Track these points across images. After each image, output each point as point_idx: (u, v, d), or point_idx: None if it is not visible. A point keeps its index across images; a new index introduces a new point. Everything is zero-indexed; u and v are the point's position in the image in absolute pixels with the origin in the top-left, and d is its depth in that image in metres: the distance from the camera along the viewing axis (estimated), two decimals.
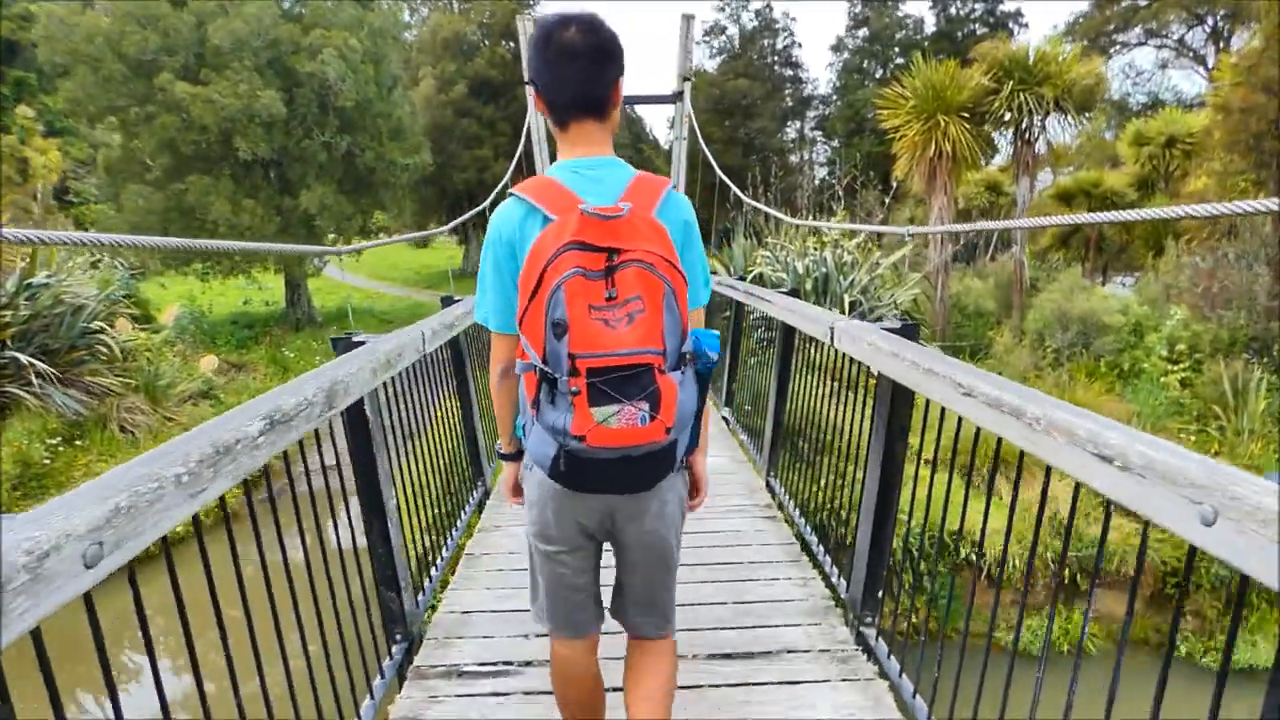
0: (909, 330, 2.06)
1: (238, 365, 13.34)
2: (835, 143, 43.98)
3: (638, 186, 1.35)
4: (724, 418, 4.87)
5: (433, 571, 2.79)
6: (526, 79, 1.66)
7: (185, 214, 13.75)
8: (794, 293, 3.43)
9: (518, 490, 1.60)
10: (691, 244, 1.42)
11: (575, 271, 1.18)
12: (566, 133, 1.40)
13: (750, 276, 12.46)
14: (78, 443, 9.94)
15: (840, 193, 13.59)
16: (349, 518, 2.13)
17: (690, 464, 1.54)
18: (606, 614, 1.62)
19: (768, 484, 3.61)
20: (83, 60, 13.10)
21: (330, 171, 15.47)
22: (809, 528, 3.08)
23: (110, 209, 14.86)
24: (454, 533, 3.16)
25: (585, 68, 1.33)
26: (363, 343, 2.06)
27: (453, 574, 2.97)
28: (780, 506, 3.43)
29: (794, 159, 45.27)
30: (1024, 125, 11.98)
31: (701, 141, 8.82)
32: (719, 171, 8.03)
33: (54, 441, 9.46)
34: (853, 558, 2.33)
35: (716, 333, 1.33)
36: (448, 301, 3.40)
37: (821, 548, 2.94)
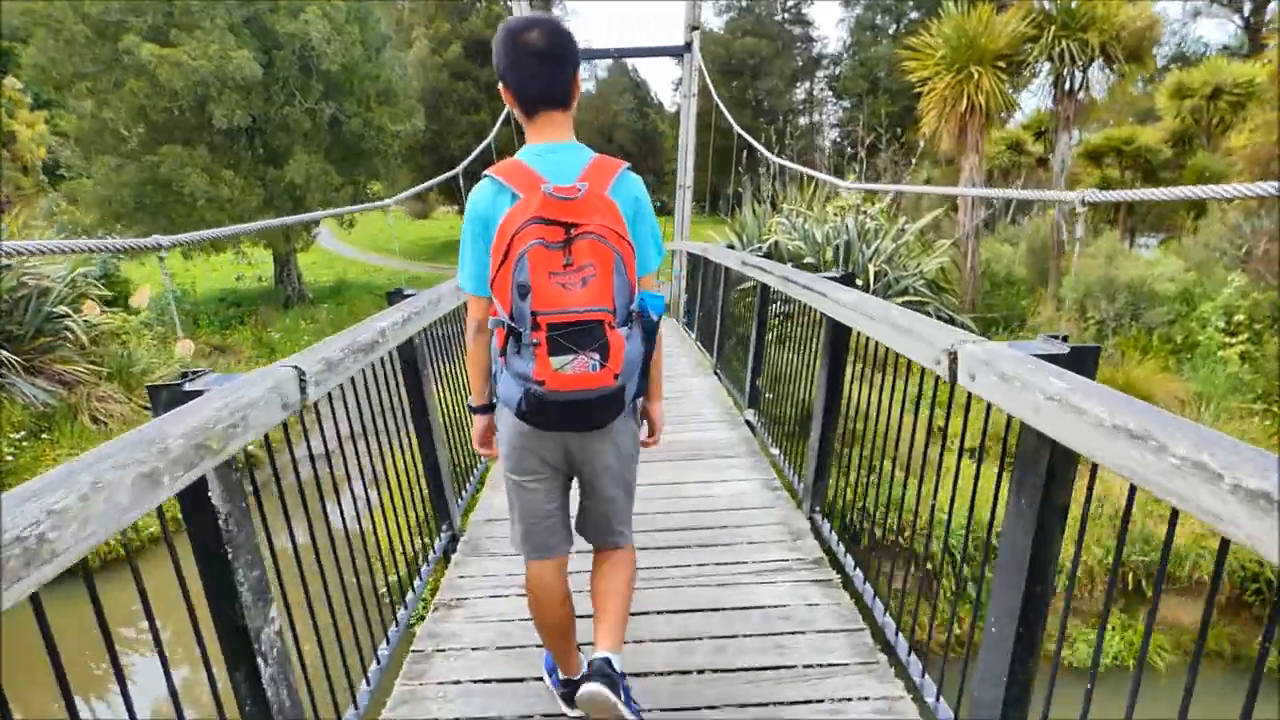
0: (1083, 357, 1.23)
1: (220, 348, 12.59)
2: (846, 103, 42.57)
3: (595, 168, 1.55)
4: (748, 422, 4.08)
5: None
6: (497, 75, 1.62)
7: (162, 187, 12.88)
8: (848, 279, 2.60)
9: (486, 441, 1.84)
10: (642, 218, 1.62)
11: (537, 242, 1.43)
12: (534, 122, 1.60)
13: (766, 247, 11.58)
14: (44, 436, 9.22)
15: (862, 154, 12.59)
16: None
17: (647, 410, 1.83)
18: (574, 537, 1.85)
19: (812, 524, 2.85)
20: (42, 22, 12.15)
21: (316, 140, 14.53)
22: (885, 612, 2.20)
23: (87, 183, 13.99)
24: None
25: (545, 66, 1.54)
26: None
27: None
28: (833, 559, 2.63)
29: (804, 120, 43.88)
30: (1065, 76, 10.93)
31: (716, 97, 7.91)
32: (737, 128, 7.14)
33: (18, 436, 8.74)
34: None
35: (662, 295, 1.61)
36: (394, 297, 2.59)
37: (917, 659, 2.01)
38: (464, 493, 3.23)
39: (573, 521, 1.85)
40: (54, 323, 10.18)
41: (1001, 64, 10.98)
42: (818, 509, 2.80)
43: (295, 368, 1.41)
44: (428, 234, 34.98)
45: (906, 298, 10.88)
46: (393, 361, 2.52)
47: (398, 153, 16.44)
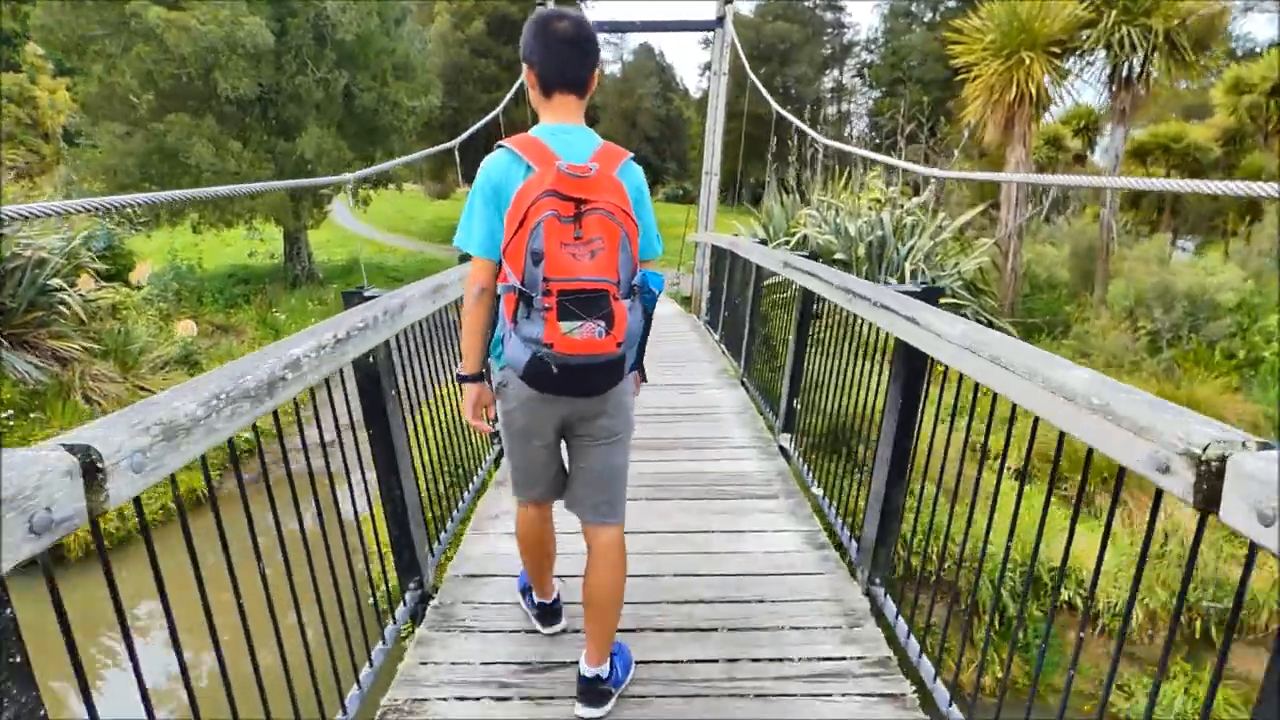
0: None
1: (224, 327, 12.15)
2: (876, 93, 41.48)
3: (604, 152, 1.66)
4: (782, 449, 3.58)
5: None
6: (522, 57, 1.72)
7: (168, 157, 12.43)
8: (932, 294, 2.02)
9: (478, 412, 1.89)
10: (643, 206, 1.71)
11: (551, 214, 1.50)
12: (550, 102, 1.71)
13: (794, 241, 10.95)
14: (35, 415, 8.80)
15: (902, 143, 11.90)
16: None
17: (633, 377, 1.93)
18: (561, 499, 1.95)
19: (872, 602, 2.25)
20: None
21: (329, 113, 14.01)
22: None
23: (93, 151, 13.57)
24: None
25: (572, 52, 1.68)
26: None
27: None
28: (901, 661, 1.99)
29: (831, 110, 42.83)
30: (1123, 65, 10.16)
31: (751, 74, 7.27)
32: (777, 108, 6.53)
33: (6, 415, 8.34)
34: None
35: (661, 275, 1.68)
36: (351, 300, 2.02)
37: None
38: (440, 539, 2.63)
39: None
40: (48, 296, 9.76)
41: (1056, 49, 10.23)
42: (878, 580, 2.23)
43: (81, 449, 0.81)
44: (445, 214, 34.47)
45: (943, 300, 10.21)
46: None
47: (413, 129, 15.88)
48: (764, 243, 5.03)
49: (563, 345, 1.51)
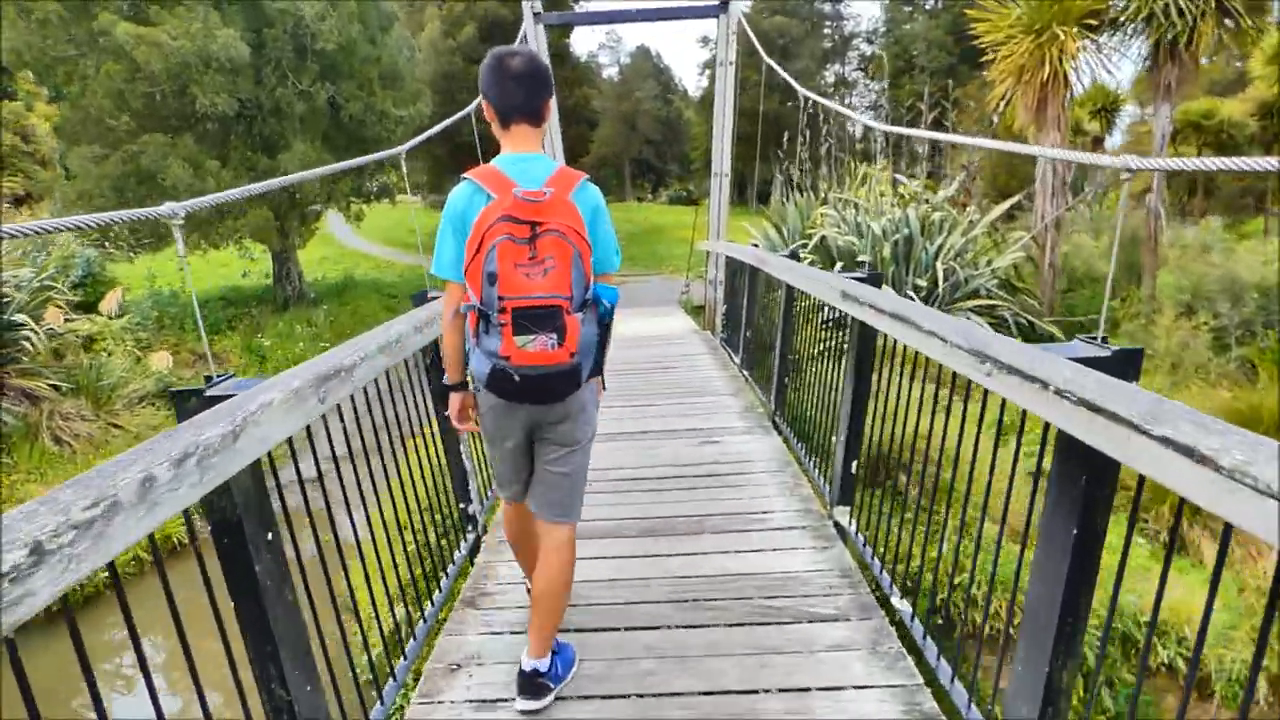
0: None
1: (206, 356, 11.45)
2: (877, 85, 40.53)
3: (559, 176, 1.74)
4: (837, 525, 2.73)
5: None
6: (480, 92, 1.82)
7: (145, 180, 11.74)
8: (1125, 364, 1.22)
9: (463, 416, 2.04)
10: (600, 223, 1.81)
11: (505, 238, 1.61)
12: (508, 133, 1.81)
13: (812, 243, 10.12)
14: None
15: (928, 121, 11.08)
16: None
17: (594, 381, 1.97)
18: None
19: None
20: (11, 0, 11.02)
21: (313, 126, 13.31)
22: None
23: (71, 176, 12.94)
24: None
25: (524, 87, 1.78)
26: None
27: None
28: None
29: (834, 104, 41.76)
30: (1167, 35, 9.29)
31: (764, 54, 6.47)
32: (804, 92, 5.74)
33: None
34: None
35: (615, 288, 1.83)
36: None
37: None
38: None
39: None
40: (14, 332, 9.08)
41: (1093, 21, 9.38)
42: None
43: None
44: None
45: (978, 301, 9.39)
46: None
47: (402, 139, 15.15)
48: (794, 258, 4.21)
49: (518, 357, 1.65)
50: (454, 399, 2.00)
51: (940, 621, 2.93)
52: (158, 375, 9.87)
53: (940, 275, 8.66)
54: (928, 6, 39.68)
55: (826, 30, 42.35)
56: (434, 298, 2.30)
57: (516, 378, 1.68)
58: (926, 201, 9.78)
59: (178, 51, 10.88)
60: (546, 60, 9.77)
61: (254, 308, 13.57)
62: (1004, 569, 3.77)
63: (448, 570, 2.56)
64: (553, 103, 1.88)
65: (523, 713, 1.91)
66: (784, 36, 37.03)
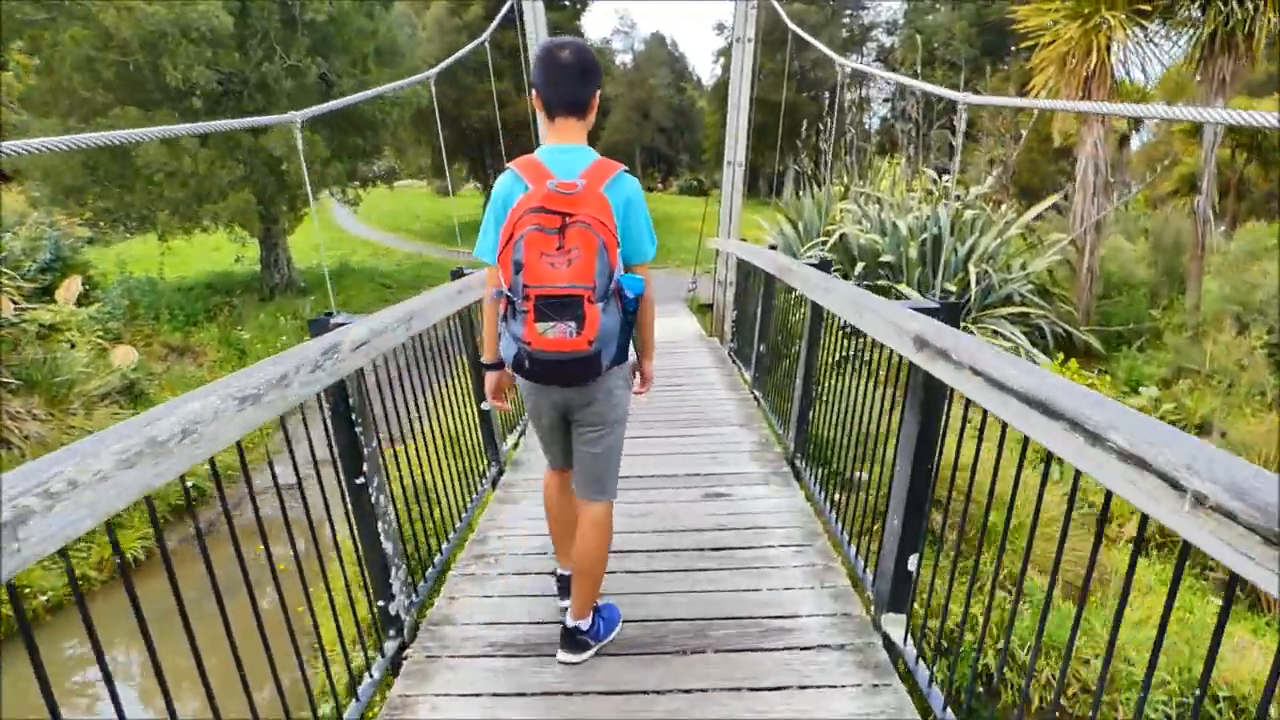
0: None
1: (180, 349, 10.74)
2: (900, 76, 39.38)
3: (595, 168, 1.78)
4: (885, 637, 1.98)
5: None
6: (530, 83, 1.88)
7: (117, 157, 11.02)
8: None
9: (497, 394, 2.11)
10: (632, 214, 1.83)
11: (534, 228, 1.68)
12: (553, 124, 1.86)
13: (831, 241, 9.33)
14: None
15: (957, 124, 10.20)
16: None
17: (641, 367, 2.08)
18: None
19: None
20: None
21: (302, 104, 12.50)
22: None
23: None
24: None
25: (573, 80, 1.82)
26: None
27: None
28: None
29: (848, 96, 40.86)
30: (1227, 24, 8.44)
31: (789, 22, 5.69)
32: (842, 61, 4.99)
33: None
34: None
35: (641, 279, 1.83)
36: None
37: None
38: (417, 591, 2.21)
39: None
40: None
41: (1145, 7, 8.54)
42: None
43: None
44: (450, 212, 33.01)
45: (1011, 308, 8.60)
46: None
47: (400, 121, 14.39)
48: (823, 266, 3.44)
49: (538, 343, 1.73)
50: (490, 378, 2.08)
51: None
52: (121, 371, 9.16)
53: (973, 279, 7.88)
54: None
55: (845, 19, 41.29)
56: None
57: (536, 362, 1.76)
58: (958, 198, 8.98)
59: (152, 18, 10.13)
60: (546, 35, 8.94)
61: (233, 299, 12.83)
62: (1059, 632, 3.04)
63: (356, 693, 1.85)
64: (598, 96, 1.90)
65: (562, 663, 2.06)
66: (803, 24, 36.01)
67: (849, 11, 41.72)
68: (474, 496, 3.09)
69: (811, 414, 3.36)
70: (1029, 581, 3.68)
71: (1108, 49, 8.69)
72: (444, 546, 2.63)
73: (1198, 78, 9.22)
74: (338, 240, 24.01)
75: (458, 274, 3.07)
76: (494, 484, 3.41)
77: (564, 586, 2.25)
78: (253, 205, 11.93)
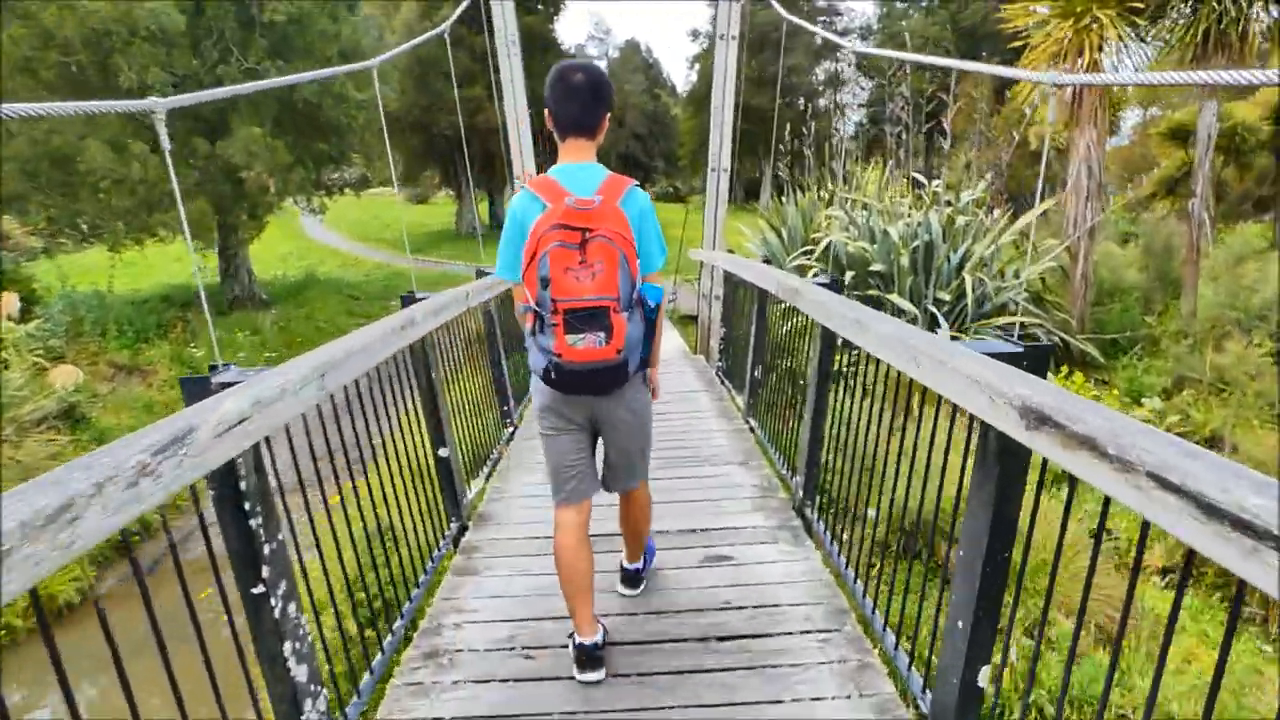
0: None
1: (129, 368, 10.06)
2: (869, 84, 39.45)
3: (609, 184, 1.85)
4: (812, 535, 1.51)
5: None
6: (544, 104, 1.94)
7: (59, 163, 10.32)
8: None
9: None
10: (646, 225, 1.90)
11: (557, 244, 1.74)
12: (565, 144, 1.93)
13: (819, 250, 8.93)
14: None
15: (946, 126, 9.96)
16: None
17: (649, 377, 2.14)
18: (599, 488, 2.15)
19: None
20: None
21: (262, 109, 11.93)
22: None
23: None
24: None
25: (585, 101, 1.89)
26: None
27: None
28: None
29: (822, 102, 40.81)
30: (1220, 23, 8.20)
31: (780, 7, 5.26)
32: (849, 45, 4.53)
33: None
34: None
35: (660, 287, 1.92)
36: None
37: None
38: None
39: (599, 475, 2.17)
40: None
41: (1138, 4, 8.26)
42: None
43: None
44: (424, 221, 32.28)
45: (1008, 318, 8.25)
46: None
47: (366, 126, 13.79)
48: (829, 282, 3.00)
49: (570, 354, 1.79)
50: None
51: None
52: (60, 394, 8.49)
53: (969, 287, 7.50)
54: (923, 4, 38.84)
55: (820, 24, 41.27)
56: (421, 298, 2.45)
57: (565, 373, 1.83)
58: (949, 203, 8.62)
59: (94, 15, 9.49)
60: (516, 36, 8.45)
61: (186, 313, 12.14)
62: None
63: None
64: (608, 117, 1.95)
65: (624, 596, 2.37)
66: (778, 30, 35.89)
67: (823, 17, 41.74)
68: (429, 565, 2.59)
69: (822, 455, 2.90)
70: (1057, 628, 3.27)
71: (1099, 48, 8.40)
72: (386, 643, 2.12)
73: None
74: (305, 250, 23.26)
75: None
76: (455, 543, 2.91)
77: (586, 657, 2.04)
78: (208, 214, 11.29)
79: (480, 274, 4.17)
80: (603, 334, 1.77)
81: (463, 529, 2.99)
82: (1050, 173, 20.75)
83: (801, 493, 2.96)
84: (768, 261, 4.41)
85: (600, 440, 2.11)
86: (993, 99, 19.27)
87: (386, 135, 4.75)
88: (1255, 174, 18.45)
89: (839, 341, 2.79)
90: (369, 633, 2.11)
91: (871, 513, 2.43)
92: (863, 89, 41.99)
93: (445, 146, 24.20)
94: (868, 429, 2.31)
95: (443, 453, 2.88)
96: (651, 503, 2.30)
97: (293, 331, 12.52)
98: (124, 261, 13.29)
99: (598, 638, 1.99)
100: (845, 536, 2.59)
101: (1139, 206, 20.17)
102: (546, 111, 1.93)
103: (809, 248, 9.01)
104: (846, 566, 2.42)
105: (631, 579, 2.41)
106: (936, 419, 1.83)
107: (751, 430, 4.15)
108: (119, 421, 8.93)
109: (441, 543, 2.81)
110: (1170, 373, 7.82)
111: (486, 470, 3.63)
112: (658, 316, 1.94)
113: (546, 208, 1.77)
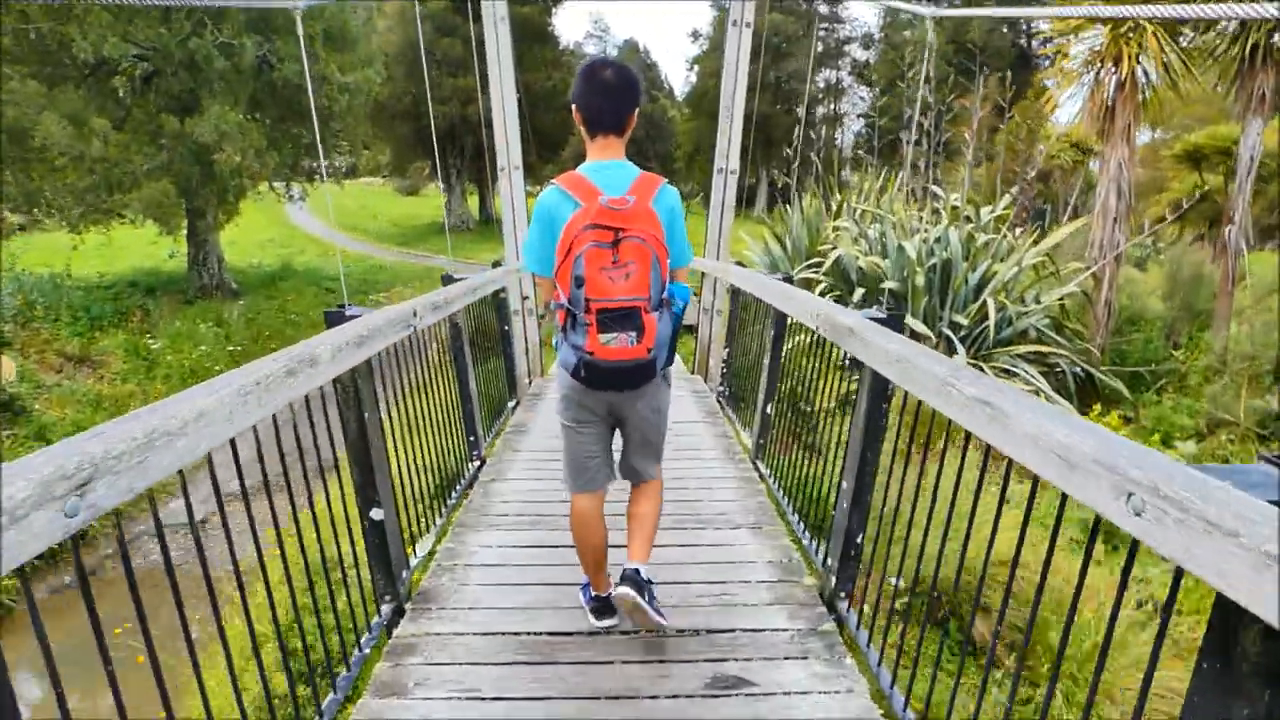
0: None
1: (80, 358, 9.29)
2: (867, 93, 39.02)
3: (641, 183, 1.88)
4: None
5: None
6: (571, 100, 1.95)
7: (15, 139, 9.55)
8: None
9: None
10: (676, 223, 1.95)
11: (592, 244, 1.77)
12: (594, 141, 1.95)
13: (828, 263, 8.30)
14: None
15: (969, 136, 9.39)
16: None
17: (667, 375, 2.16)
18: (615, 474, 2.21)
19: None
20: None
21: (237, 87, 11.20)
22: None
23: None
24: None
25: (613, 99, 1.90)
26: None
27: None
28: None
29: (821, 110, 40.32)
30: (1270, 36, 7.65)
31: None
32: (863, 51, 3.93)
33: None
34: None
35: (688, 287, 1.98)
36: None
37: None
38: None
39: (615, 466, 2.20)
40: None
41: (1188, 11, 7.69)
42: None
43: None
44: (414, 212, 31.47)
45: (1027, 346, 7.65)
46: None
47: (350, 108, 13.06)
48: (883, 316, 2.36)
49: (602, 353, 1.83)
50: None
51: None
52: None
53: (992, 311, 6.90)
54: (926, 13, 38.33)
55: (821, 33, 40.78)
56: (351, 316, 2.10)
57: (596, 370, 1.86)
58: (969, 219, 8.02)
59: None
60: (505, 14, 7.79)
61: (148, 302, 11.37)
62: None
63: None
64: (636, 114, 1.95)
65: (620, 595, 2.10)
66: (779, 35, 35.34)
67: (824, 25, 41.28)
68: (341, 679, 1.92)
69: (864, 534, 2.26)
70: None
71: (1137, 58, 7.84)
72: None
73: (1233, 96, 8.43)
74: (287, 237, 22.45)
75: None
76: (389, 629, 2.25)
77: (601, 607, 2.27)
78: (172, 196, 10.53)
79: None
80: (635, 333, 1.81)
81: (399, 611, 2.32)
82: (1054, 191, 20.18)
83: (834, 580, 2.31)
84: (789, 279, 3.76)
85: (618, 431, 2.15)
86: (995, 115, 18.77)
87: (387, 124, 4.07)
88: (1267, 200, 18.03)
89: (890, 389, 2.16)
90: None
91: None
92: (862, 99, 41.58)
93: (435, 135, 23.52)
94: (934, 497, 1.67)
95: (376, 515, 2.21)
96: (663, 488, 2.28)
97: (262, 324, 11.78)
98: (96, 244, 12.52)
99: (613, 590, 2.04)
100: (899, 640, 1.95)
101: (1144, 230, 19.74)
102: (574, 108, 1.94)
103: (817, 260, 8.39)
104: (906, 708, 1.77)
105: (634, 581, 2.09)
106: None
107: (762, 478, 3.50)
108: (63, 415, 8.19)
109: (368, 633, 2.14)
110: (1203, 413, 7.25)
111: (440, 524, 2.95)
112: (683, 317, 1.96)
113: (579, 206, 1.80)
